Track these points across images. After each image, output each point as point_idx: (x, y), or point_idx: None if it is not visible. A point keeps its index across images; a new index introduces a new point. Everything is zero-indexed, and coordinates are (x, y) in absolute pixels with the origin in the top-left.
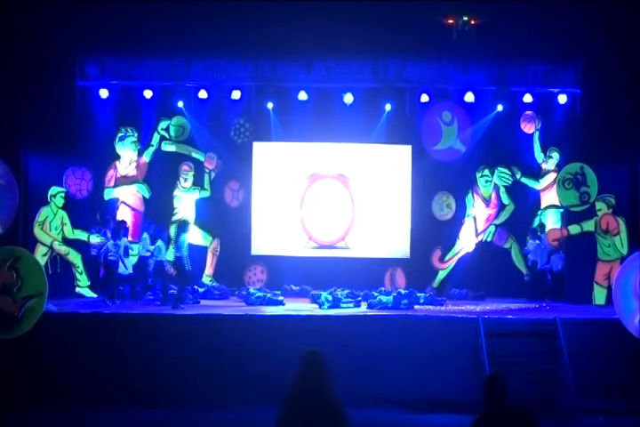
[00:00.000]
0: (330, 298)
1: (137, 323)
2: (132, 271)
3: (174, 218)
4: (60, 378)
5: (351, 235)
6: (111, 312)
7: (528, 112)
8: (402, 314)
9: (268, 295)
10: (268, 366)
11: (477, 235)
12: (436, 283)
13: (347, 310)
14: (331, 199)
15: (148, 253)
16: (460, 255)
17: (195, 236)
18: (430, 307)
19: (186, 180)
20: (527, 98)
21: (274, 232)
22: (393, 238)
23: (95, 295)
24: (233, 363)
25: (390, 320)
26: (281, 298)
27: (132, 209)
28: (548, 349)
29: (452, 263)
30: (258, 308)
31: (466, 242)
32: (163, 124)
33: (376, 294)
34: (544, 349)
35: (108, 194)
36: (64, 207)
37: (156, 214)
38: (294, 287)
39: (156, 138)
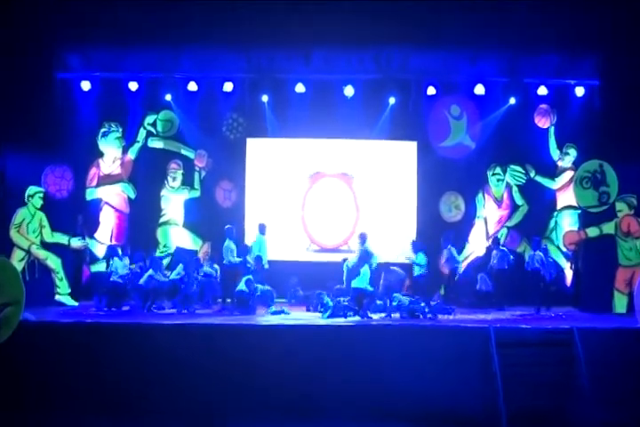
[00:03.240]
0: (330, 304)
1: (120, 332)
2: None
3: (162, 220)
4: (39, 390)
5: (355, 238)
6: (93, 322)
7: (543, 105)
8: (407, 324)
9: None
10: (262, 378)
11: (488, 238)
12: (443, 289)
13: (349, 319)
14: (334, 200)
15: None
16: (469, 260)
17: (184, 239)
18: (438, 316)
19: (174, 179)
20: (542, 90)
21: (270, 235)
22: (398, 241)
23: (76, 303)
24: (221, 374)
25: (395, 330)
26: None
27: (116, 210)
28: (563, 359)
29: (460, 268)
30: (252, 316)
31: (476, 245)
32: (149, 119)
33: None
34: (559, 359)
35: (91, 194)
36: (43, 208)
37: (142, 216)
38: (300, 292)
39: (141, 134)
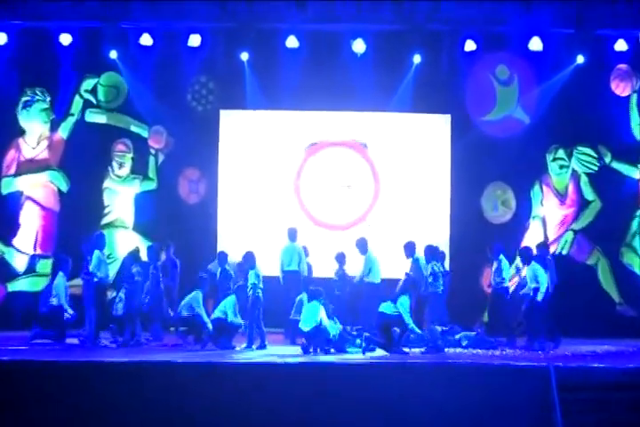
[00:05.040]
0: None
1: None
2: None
3: (105, 220)
4: None
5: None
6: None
7: (621, 66)
8: (439, 361)
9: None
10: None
11: (548, 245)
12: (487, 316)
13: (356, 356)
14: (342, 172)
15: None
16: (523, 275)
17: (134, 245)
18: (479, 351)
19: (121, 165)
20: (620, 45)
21: (251, 238)
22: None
23: None
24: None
25: (422, 370)
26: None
27: (42, 208)
28: None
29: (511, 287)
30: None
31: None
32: (87, 84)
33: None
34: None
35: (7, 186)
36: None
37: (78, 216)
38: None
39: (77, 104)
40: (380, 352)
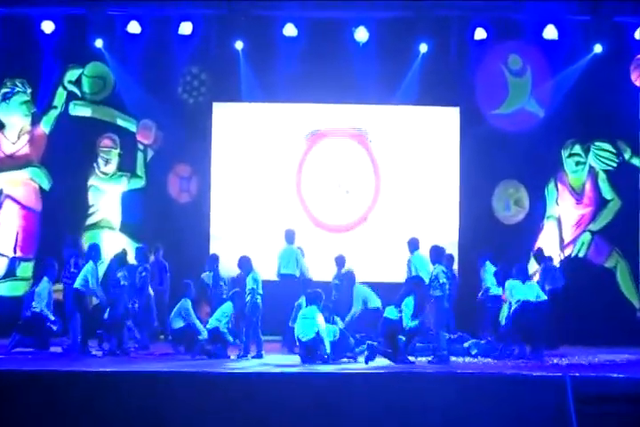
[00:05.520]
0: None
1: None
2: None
3: (90, 221)
4: None
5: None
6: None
7: None
8: (447, 371)
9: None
10: None
11: (564, 247)
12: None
13: (358, 366)
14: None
15: None
16: (536, 279)
17: (121, 247)
18: (490, 360)
19: (107, 162)
20: None
21: (247, 240)
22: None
23: None
24: None
25: (429, 380)
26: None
27: (23, 207)
28: None
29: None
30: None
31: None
32: (71, 75)
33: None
34: None
35: None
36: None
37: (61, 216)
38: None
39: (60, 96)
40: (383, 361)
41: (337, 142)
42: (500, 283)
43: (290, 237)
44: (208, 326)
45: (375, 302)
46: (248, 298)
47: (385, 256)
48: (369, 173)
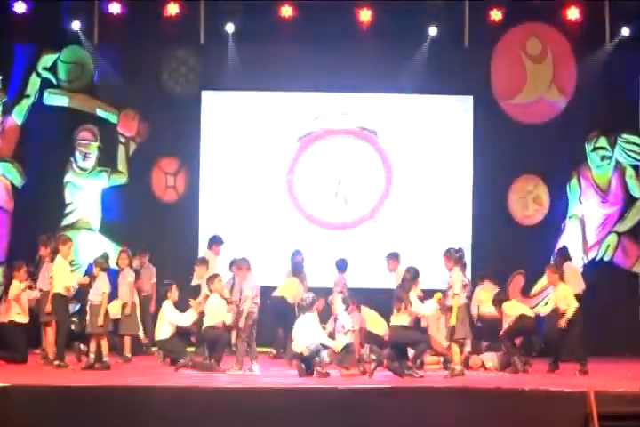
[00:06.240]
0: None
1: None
2: None
3: (67, 221)
4: None
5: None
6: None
7: None
8: (460, 386)
9: None
10: None
11: (587, 249)
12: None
13: (360, 379)
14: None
15: None
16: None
17: (101, 250)
18: (506, 374)
19: (86, 156)
20: None
21: (239, 242)
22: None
23: None
24: None
25: (440, 395)
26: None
27: None
28: None
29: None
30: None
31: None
32: (46, 61)
33: None
34: None
35: None
36: None
37: (34, 215)
38: None
39: (33, 84)
40: (390, 375)
41: (340, 134)
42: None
43: (297, 267)
44: (205, 326)
45: (379, 328)
46: (243, 307)
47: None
48: (374, 168)
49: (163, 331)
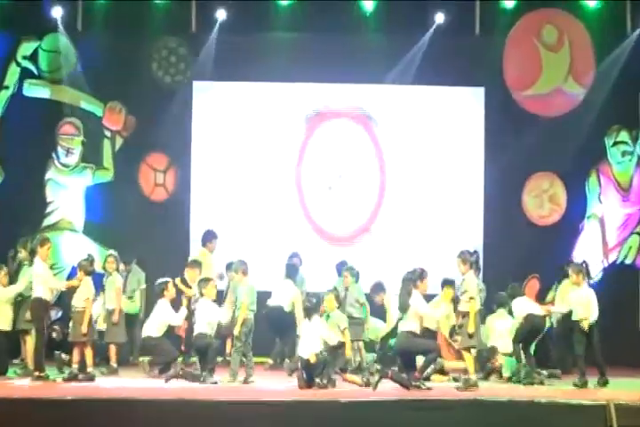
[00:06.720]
0: None
1: None
2: None
3: (48, 221)
4: None
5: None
6: None
7: None
8: (472, 398)
9: None
10: None
11: (607, 252)
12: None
13: (363, 391)
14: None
15: None
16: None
17: (85, 252)
18: (521, 385)
19: (69, 151)
20: None
21: (233, 244)
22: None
23: None
24: None
25: (451, 409)
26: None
27: None
28: None
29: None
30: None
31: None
32: (25, 49)
33: None
34: None
35: None
36: None
37: (13, 214)
38: None
39: (12, 74)
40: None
41: (340, 128)
42: None
43: (292, 271)
44: (196, 332)
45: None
46: (238, 313)
47: (390, 265)
48: (376, 164)
49: (152, 328)
